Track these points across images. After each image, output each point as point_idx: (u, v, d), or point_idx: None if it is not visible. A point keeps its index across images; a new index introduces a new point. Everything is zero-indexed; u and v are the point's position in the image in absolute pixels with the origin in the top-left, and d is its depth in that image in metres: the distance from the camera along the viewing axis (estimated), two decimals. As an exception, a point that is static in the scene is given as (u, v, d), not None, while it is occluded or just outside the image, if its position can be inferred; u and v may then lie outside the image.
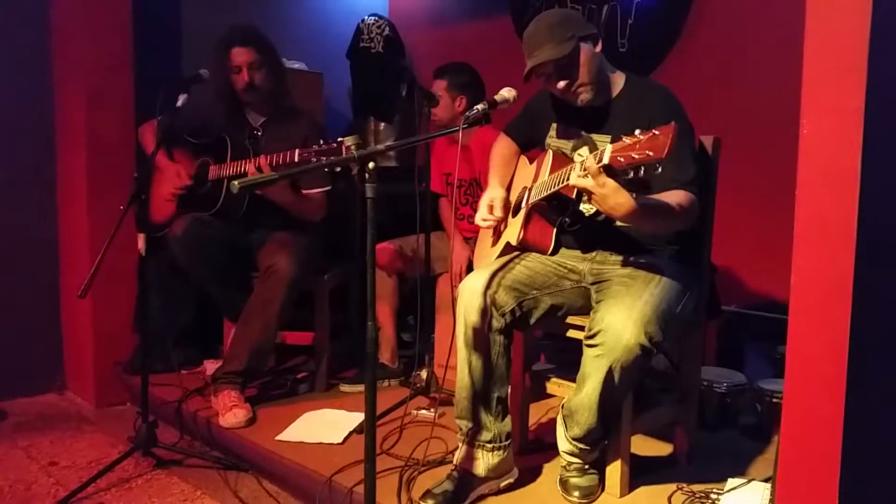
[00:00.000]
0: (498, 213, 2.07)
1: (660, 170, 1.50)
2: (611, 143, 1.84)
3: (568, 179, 1.76)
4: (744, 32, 2.89)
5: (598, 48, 1.97)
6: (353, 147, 1.53)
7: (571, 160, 1.99)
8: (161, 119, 2.84)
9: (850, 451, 1.26)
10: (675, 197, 1.79)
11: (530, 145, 2.26)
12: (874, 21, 1.19)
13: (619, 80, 2.02)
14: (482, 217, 2.09)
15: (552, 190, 1.90)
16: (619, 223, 1.97)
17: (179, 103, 2.47)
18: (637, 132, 1.52)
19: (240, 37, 2.72)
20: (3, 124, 3.05)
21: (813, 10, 1.28)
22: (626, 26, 3.16)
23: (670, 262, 1.93)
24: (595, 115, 2.00)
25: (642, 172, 1.51)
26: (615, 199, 1.63)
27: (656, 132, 1.48)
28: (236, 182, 1.41)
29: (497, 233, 2.23)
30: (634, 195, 1.63)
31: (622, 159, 1.52)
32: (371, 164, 1.55)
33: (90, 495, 2.20)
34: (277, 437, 2.34)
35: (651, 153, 1.47)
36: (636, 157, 1.49)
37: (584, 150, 2.01)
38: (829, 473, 1.27)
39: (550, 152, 2.05)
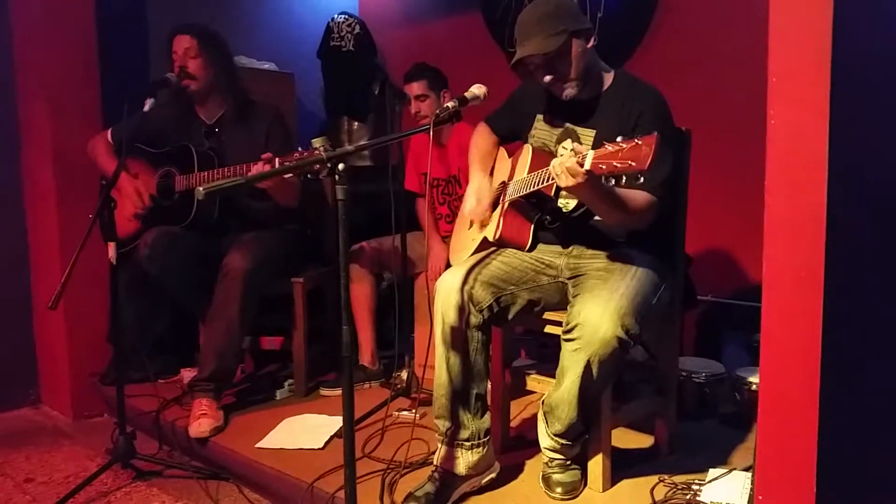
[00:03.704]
0: (485, 202, 2.09)
1: (641, 180, 1.49)
2: (594, 140, 1.84)
3: (549, 180, 1.75)
4: (712, 23, 2.91)
5: (591, 44, 1.94)
6: (321, 149, 1.51)
7: (552, 155, 1.98)
8: (116, 129, 2.78)
9: (825, 437, 1.27)
10: (639, 196, 1.79)
11: (512, 137, 2.24)
12: (837, 11, 1.20)
13: (608, 77, 2.01)
14: (471, 208, 2.10)
15: (533, 189, 1.90)
16: (596, 218, 1.97)
17: (147, 108, 2.42)
18: (619, 139, 1.51)
19: (182, 26, 2.68)
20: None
21: (776, 1, 1.29)
22: (596, 20, 3.16)
23: (645, 255, 1.93)
24: (582, 108, 1.99)
25: (623, 181, 1.50)
26: (596, 191, 1.67)
27: (639, 142, 1.46)
28: (201, 188, 1.38)
29: (472, 225, 2.22)
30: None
31: (603, 166, 1.51)
32: (341, 166, 1.53)
33: (68, 511, 2.17)
34: (257, 445, 2.31)
35: (633, 163, 1.46)
36: (618, 165, 1.48)
37: (568, 143, 2.00)
38: (806, 460, 1.28)
39: (530, 147, 2.04)
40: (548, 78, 1.93)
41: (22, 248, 3.16)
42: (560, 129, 2.04)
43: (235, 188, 1.53)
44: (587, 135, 1.96)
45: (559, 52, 1.88)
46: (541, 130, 2.09)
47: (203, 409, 2.47)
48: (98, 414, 3.01)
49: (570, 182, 1.60)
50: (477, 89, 1.99)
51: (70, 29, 2.98)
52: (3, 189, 3.10)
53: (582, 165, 1.56)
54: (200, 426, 2.42)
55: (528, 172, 1.96)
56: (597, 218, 1.94)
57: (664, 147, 1.77)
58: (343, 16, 3.84)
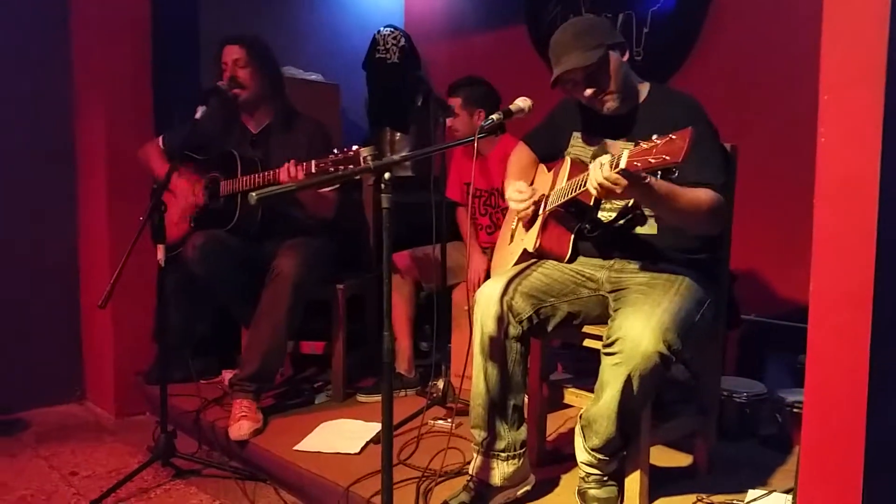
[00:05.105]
0: (529, 194, 2.04)
1: (676, 174, 1.50)
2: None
3: (584, 185, 1.76)
4: (760, 39, 2.87)
5: (626, 57, 1.96)
6: (368, 158, 1.54)
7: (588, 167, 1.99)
8: (167, 136, 2.87)
9: (872, 462, 1.24)
10: (702, 193, 1.78)
11: (551, 156, 2.24)
12: (892, 28, 1.18)
13: (643, 89, 2.02)
14: (517, 200, 2.06)
15: (570, 196, 1.90)
16: (638, 230, 1.96)
17: (199, 115, 2.50)
18: (654, 137, 1.52)
19: (232, 36, 2.76)
20: (25, 138, 3.09)
21: (830, 17, 1.27)
22: (642, 35, 3.16)
23: (689, 271, 1.91)
24: (619, 123, 2.00)
25: (658, 176, 1.51)
26: (639, 189, 1.64)
27: (673, 136, 1.48)
28: (253, 193, 1.42)
29: (513, 239, 2.23)
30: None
31: (638, 163, 1.53)
32: (387, 175, 1.56)
33: (110, 505, 2.23)
34: (295, 447, 2.35)
35: (668, 157, 1.47)
36: (653, 161, 1.50)
37: (605, 158, 2.00)
38: (851, 485, 1.25)
39: (568, 159, 2.05)
40: (589, 92, 1.93)
41: (72, 248, 3.26)
42: (597, 146, 2.04)
43: (281, 195, 1.57)
44: (625, 148, 1.96)
45: (599, 65, 1.90)
46: (577, 147, 2.10)
47: (243, 410, 2.51)
48: (140, 412, 3.08)
49: (613, 191, 1.61)
50: (522, 102, 2.00)
51: (126, 38, 3.08)
52: (56, 190, 3.21)
53: (618, 166, 1.57)
54: (241, 429, 2.46)
55: (567, 182, 1.97)
56: (645, 231, 1.93)
57: (706, 144, 1.76)
58: (389, 28, 3.90)
